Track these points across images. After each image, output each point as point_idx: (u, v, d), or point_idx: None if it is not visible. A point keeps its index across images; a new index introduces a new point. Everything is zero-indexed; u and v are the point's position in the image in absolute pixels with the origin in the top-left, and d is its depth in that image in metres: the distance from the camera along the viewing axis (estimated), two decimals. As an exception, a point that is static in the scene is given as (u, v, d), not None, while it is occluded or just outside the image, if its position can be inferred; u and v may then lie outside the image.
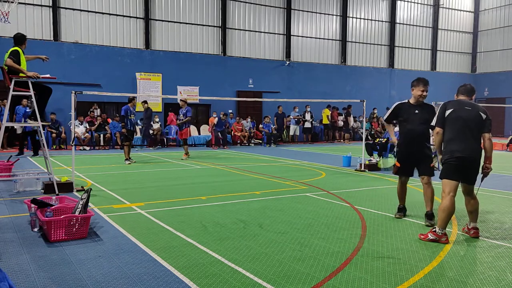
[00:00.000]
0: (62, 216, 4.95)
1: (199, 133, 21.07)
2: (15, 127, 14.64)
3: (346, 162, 12.38)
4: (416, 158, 5.96)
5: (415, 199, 7.27)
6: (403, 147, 6.08)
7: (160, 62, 20.90)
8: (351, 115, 24.29)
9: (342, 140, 23.47)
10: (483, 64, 30.85)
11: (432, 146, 6.69)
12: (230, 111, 21.78)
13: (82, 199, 5.35)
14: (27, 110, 14.21)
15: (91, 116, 18.46)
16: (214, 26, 22.45)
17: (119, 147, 17.37)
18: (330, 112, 23.22)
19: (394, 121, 6.47)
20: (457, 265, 4.29)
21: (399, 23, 28.08)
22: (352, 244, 4.89)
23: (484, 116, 5.08)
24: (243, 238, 5.10)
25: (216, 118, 19.22)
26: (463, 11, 30.65)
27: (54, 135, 17.22)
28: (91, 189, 5.88)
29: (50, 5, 18.74)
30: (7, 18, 14.75)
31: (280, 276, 3.93)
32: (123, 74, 19.82)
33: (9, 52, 7.38)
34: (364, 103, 12.07)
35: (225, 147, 19.03)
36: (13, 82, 7.22)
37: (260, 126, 21.65)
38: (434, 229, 5.04)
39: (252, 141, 20.90)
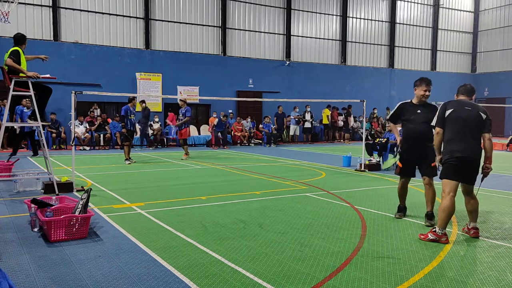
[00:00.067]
0: (62, 216, 4.96)
1: (199, 133, 21.06)
2: (15, 127, 14.62)
3: (346, 162, 12.39)
4: (418, 158, 5.95)
5: (415, 199, 7.27)
6: (405, 147, 6.08)
7: (160, 62, 20.89)
8: (351, 115, 24.30)
9: (342, 140, 23.47)
10: (483, 64, 30.83)
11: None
12: (230, 111, 21.77)
13: (82, 199, 5.35)
14: (25, 111, 14.17)
15: (91, 116, 18.46)
16: (214, 26, 22.45)
17: (119, 147, 17.36)
18: (330, 112, 23.22)
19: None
20: (457, 265, 4.29)
21: (399, 23, 28.07)
22: (352, 244, 4.89)
23: (484, 116, 5.09)
24: (243, 238, 5.10)
25: (216, 119, 19.21)
26: (463, 11, 30.64)
27: (54, 135, 17.22)
28: (91, 189, 5.89)
29: (50, 5, 18.74)
30: (7, 18, 14.74)
31: (280, 276, 3.93)
32: (123, 74, 19.81)
33: (9, 52, 7.38)
34: (364, 103, 12.08)
35: (225, 147, 19.02)
36: (13, 82, 7.22)
37: (260, 126, 21.64)
38: (434, 229, 5.05)
39: (252, 141, 20.89)
